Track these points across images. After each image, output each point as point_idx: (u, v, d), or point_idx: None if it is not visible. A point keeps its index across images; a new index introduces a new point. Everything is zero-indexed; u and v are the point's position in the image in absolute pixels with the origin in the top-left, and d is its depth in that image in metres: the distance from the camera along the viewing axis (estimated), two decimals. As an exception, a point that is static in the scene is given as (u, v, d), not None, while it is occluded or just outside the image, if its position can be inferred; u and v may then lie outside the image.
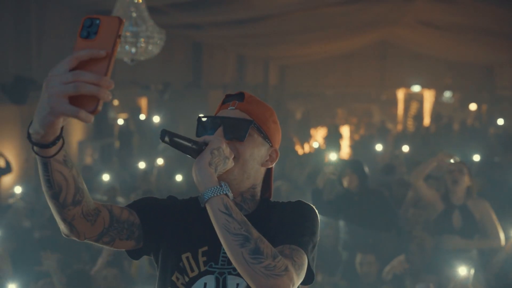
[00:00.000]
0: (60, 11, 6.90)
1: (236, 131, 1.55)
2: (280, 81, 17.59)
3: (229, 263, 1.47)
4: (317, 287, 4.29)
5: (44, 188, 1.31)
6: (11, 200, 6.05)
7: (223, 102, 1.64)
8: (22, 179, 6.54)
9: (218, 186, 1.41)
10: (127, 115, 11.66)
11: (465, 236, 4.23)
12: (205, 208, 1.42)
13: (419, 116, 17.16)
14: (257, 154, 1.58)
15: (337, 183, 4.94)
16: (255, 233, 1.38)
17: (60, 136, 1.23)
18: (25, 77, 5.96)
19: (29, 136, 1.22)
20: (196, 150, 1.46)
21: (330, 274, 4.58)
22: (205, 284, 1.52)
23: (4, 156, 6.30)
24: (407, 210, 5.38)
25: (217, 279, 1.52)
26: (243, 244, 1.35)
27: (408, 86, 17.01)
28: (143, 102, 12.66)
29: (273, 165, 1.65)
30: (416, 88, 16.95)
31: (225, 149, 1.48)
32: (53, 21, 6.73)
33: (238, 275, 1.45)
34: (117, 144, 9.84)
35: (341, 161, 5.61)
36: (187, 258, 1.54)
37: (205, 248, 1.54)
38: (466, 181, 4.31)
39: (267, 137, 1.60)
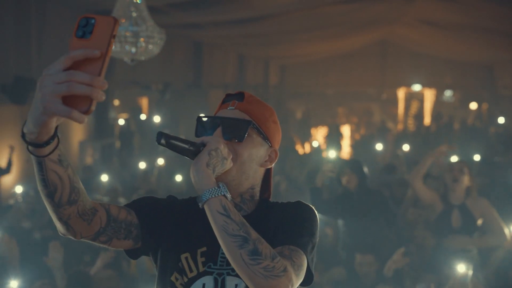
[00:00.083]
0: (60, 11, 6.90)
1: (235, 132, 1.54)
2: (280, 80, 17.59)
3: (228, 263, 1.47)
4: (317, 287, 4.29)
5: (39, 187, 1.32)
6: (11, 201, 6.05)
7: (223, 102, 1.64)
8: (22, 179, 6.54)
9: (216, 187, 1.40)
10: (127, 115, 11.68)
11: (465, 235, 4.23)
12: (204, 209, 1.42)
13: (419, 115, 17.16)
14: (255, 154, 1.58)
15: (336, 183, 4.94)
16: (253, 234, 1.37)
17: (54, 136, 1.23)
18: (25, 77, 5.96)
19: (23, 136, 1.22)
20: (193, 151, 1.45)
21: (327, 271, 4.58)
22: (203, 285, 1.52)
23: (9, 156, 6.31)
24: (406, 209, 5.37)
25: (215, 280, 1.52)
26: (242, 245, 1.35)
27: (408, 85, 17.00)
28: (144, 102, 12.67)
29: (273, 165, 1.64)
30: (416, 87, 16.94)
31: (223, 150, 1.47)
32: (53, 21, 6.73)
33: (237, 275, 1.45)
34: (117, 144, 9.85)
35: (341, 161, 5.61)
36: (186, 258, 1.54)
37: (204, 248, 1.54)
38: (466, 180, 4.30)
39: (266, 138, 1.60)
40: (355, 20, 10.17)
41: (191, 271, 1.53)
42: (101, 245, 1.49)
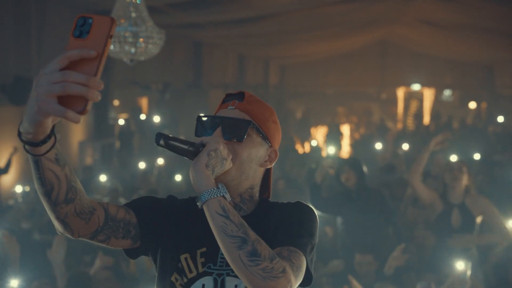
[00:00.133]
0: (60, 11, 6.90)
1: (235, 131, 1.54)
2: (280, 80, 17.59)
3: (228, 264, 1.47)
4: (316, 287, 4.29)
5: (36, 185, 1.32)
6: (11, 201, 6.06)
7: (223, 102, 1.64)
8: (22, 180, 6.54)
9: (215, 188, 1.40)
10: (127, 115, 11.67)
11: (463, 234, 4.24)
12: (203, 209, 1.42)
13: (419, 115, 17.17)
14: (255, 154, 1.58)
15: (335, 180, 4.96)
16: (252, 235, 1.37)
17: (50, 135, 1.23)
18: (25, 78, 5.96)
19: (19, 134, 1.22)
20: (193, 152, 1.45)
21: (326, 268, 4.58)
22: (203, 285, 1.52)
23: (9, 156, 6.32)
24: (406, 208, 5.38)
25: (215, 281, 1.52)
26: (241, 246, 1.35)
27: (408, 84, 17.00)
28: (144, 102, 12.67)
29: (272, 165, 1.64)
30: (416, 87, 16.94)
31: (223, 150, 1.47)
32: (53, 21, 6.74)
33: (237, 276, 1.45)
34: (117, 144, 9.84)
35: (340, 159, 5.63)
36: (186, 259, 1.54)
37: (204, 249, 1.54)
38: (465, 179, 4.31)
39: (266, 138, 1.59)
40: (355, 20, 10.17)
41: (190, 271, 1.53)
42: (100, 244, 1.49)
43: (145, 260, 4.16)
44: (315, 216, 1.57)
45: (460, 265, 3.10)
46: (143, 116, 11.52)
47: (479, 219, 4.28)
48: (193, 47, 11.32)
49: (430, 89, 17.68)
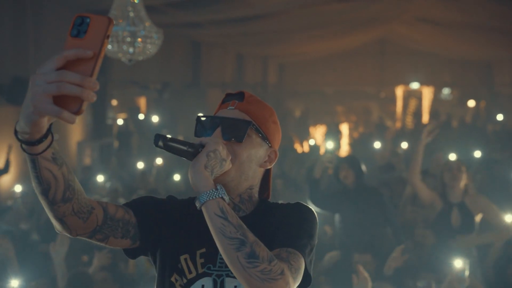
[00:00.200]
0: (57, 11, 6.88)
1: (234, 132, 1.54)
2: (279, 79, 17.59)
3: (227, 265, 1.47)
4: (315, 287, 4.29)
5: (33, 184, 1.32)
6: (9, 202, 6.04)
7: (223, 102, 1.63)
8: (21, 180, 6.53)
9: (214, 190, 1.40)
10: (126, 115, 11.65)
11: (464, 233, 4.23)
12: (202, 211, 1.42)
13: (417, 113, 17.16)
14: (255, 155, 1.57)
15: (333, 178, 4.97)
16: (251, 236, 1.37)
17: (47, 134, 1.23)
18: (22, 78, 5.95)
19: (16, 133, 1.22)
20: (192, 153, 1.44)
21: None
22: (202, 286, 1.52)
23: (7, 156, 6.30)
24: (405, 207, 5.37)
25: (214, 281, 1.52)
26: (239, 248, 1.35)
27: (406, 83, 17.00)
28: (142, 101, 12.64)
29: (272, 165, 1.64)
30: (415, 85, 16.94)
31: (222, 151, 1.47)
32: (50, 21, 6.72)
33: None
34: (116, 144, 9.83)
35: (339, 157, 5.64)
36: (185, 259, 1.54)
37: (203, 250, 1.54)
38: (464, 179, 4.31)
39: (266, 138, 1.59)
40: (354, 19, 10.16)
41: (190, 272, 1.53)
42: (99, 243, 1.49)
43: (145, 261, 4.15)
44: (315, 217, 1.57)
45: (458, 264, 3.10)
46: (141, 116, 11.51)
47: (478, 218, 4.28)
48: (192, 46, 11.31)
49: (429, 87, 17.68)
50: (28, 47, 6.38)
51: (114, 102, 10.82)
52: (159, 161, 7.11)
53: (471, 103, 17.04)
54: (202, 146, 1.46)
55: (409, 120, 17.22)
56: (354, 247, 4.37)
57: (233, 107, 1.58)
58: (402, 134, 12.69)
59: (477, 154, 7.42)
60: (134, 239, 1.53)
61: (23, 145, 1.24)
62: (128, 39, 3.76)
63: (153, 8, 6.14)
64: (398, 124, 17.12)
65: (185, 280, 1.52)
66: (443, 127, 13.38)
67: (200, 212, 1.43)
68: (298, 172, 7.41)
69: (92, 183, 6.54)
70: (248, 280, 1.34)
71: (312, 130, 15.43)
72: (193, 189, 1.42)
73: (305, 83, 17.08)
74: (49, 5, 6.72)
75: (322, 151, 9.58)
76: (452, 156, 5.46)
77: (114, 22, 1.14)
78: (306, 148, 11.83)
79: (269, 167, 1.63)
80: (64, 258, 3.71)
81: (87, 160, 8.59)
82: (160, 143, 1.41)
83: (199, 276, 1.52)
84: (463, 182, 4.30)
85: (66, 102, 1.09)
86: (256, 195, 1.63)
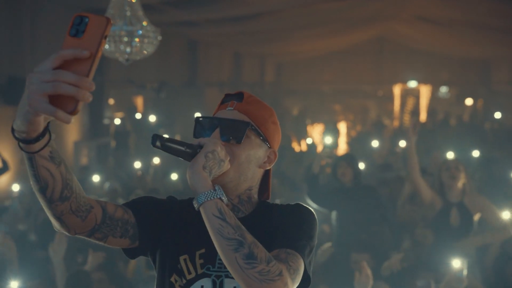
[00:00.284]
0: (54, 11, 6.86)
1: (233, 133, 1.53)
2: (276, 78, 17.58)
3: (226, 266, 1.47)
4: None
5: (31, 182, 1.32)
6: (7, 202, 6.02)
7: (222, 102, 1.63)
8: (18, 180, 6.51)
9: (212, 190, 1.39)
10: (123, 114, 11.63)
11: (463, 233, 4.22)
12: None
13: (415, 112, 17.17)
14: (253, 156, 1.56)
15: (331, 176, 4.98)
16: (249, 237, 1.37)
17: (44, 133, 1.22)
18: (19, 78, 5.93)
19: (13, 131, 1.22)
20: (190, 153, 1.44)
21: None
22: (202, 287, 1.52)
23: (1, 156, 6.26)
24: (403, 206, 5.37)
25: (214, 282, 1.52)
26: (237, 249, 1.34)
27: (404, 81, 17.01)
28: (139, 101, 12.62)
29: (271, 166, 1.63)
30: (412, 84, 16.95)
31: (220, 151, 1.46)
32: (47, 21, 6.70)
33: (235, 278, 1.45)
34: (113, 143, 9.81)
35: (337, 156, 5.65)
36: (185, 260, 1.54)
37: (203, 250, 1.53)
38: (462, 178, 4.30)
39: (265, 139, 1.58)
40: (352, 17, 10.16)
41: (189, 273, 1.53)
42: (97, 242, 1.49)
43: (144, 262, 4.13)
44: (315, 218, 1.56)
45: (456, 263, 3.09)
46: (138, 115, 11.49)
47: (476, 217, 4.28)
48: (189, 45, 11.29)
49: (427, 86, 17.69)
50: (24, 47, 6.36)
51: (111, 102, 10.80)
52: (156, 160, 7.09)
53: (469, 101, 17.06)
54: (201, 146, 1.45)
55: (407, 119, 17.22)
56: (351, 245, 4.37)
57: (232, 108, 1.57)
58: (400, 133, 12.67)
59: (475, 153, 7.42)
60: (133, 239, 1.53)
61: (20, 144, 1.24)
62: (125, 39, 3.74)
63: (150, 6, 6.12)
64: (396, 123, 17.13)
65: (184, 281, 1.52)
66: (440, 125, 13.41)
67: (199, 212, 1.42)
68: (295, 171, 7.41)
69: (89, 183, 6.52)
70: (246, 281, 1.34)
71: (309, 128, 15.42)
72: (191, 189, 1.42)
73: (302, 82, 17.08)
74: (45, 5, 6.70)
75: (319, 149, 9.57)
76: (450, 155, 5.46)
77: (112, 22, 1.14)
78: (303, 147, 11.82)
79: (268, 168, 1.62)
80: (63, 258, 3.69)
81: (84, 160, 8.57)
82: (158, 144, 1.40)
83: (198, 277, 1.52)
84: (461, 181, 4.29)
85: (62, 102, 1.09)
86: (256, 196, 1.62)
